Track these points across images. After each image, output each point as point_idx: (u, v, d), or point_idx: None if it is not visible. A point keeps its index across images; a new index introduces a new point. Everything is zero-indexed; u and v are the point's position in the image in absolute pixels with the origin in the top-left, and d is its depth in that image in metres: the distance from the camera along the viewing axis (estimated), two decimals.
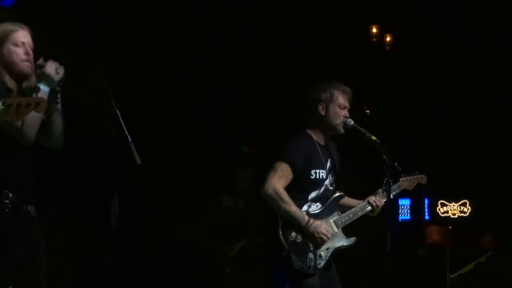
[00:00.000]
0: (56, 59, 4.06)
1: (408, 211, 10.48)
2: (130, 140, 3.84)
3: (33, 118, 3.84)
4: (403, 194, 9.94)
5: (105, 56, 4.24)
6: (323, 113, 5.08)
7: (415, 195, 10.29)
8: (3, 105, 3.43)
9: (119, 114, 3.87)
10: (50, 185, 4.32)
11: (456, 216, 10.66)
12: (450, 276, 8.52)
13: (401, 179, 5.41)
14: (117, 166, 3.88)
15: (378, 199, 5.14)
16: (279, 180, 4.91)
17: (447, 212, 10.69)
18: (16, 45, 4.08)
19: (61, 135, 4.17)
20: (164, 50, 7.84)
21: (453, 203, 10.66)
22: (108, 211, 3.90)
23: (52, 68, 4.00)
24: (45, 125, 4.07)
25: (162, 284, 7.62)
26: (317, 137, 5.13)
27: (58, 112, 4.11)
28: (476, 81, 9.28)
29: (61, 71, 4.04)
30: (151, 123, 7.55)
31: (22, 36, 4.11)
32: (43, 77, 3.99)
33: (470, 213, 10.62)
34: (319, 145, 5.11)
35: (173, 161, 7.84)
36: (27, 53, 4.08)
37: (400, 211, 10.37)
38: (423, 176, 5.57)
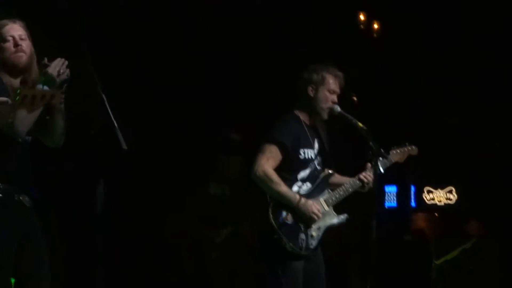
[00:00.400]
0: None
1: (395, 198, 10.49)
2: (116, 125, 3.81)
3: (24, 115, 3.77)
4: (389, 181, 9.98)
5: (92, 42, 4.21)
6: (312, 95, 5.05)
7: (401, 182, 10.32)
8: (18, 95, 3.41)
9: (105, 99, 3.84)
10: (35, 172, 4.28)
11: (442, 203, 10.69)
12: (436, 262, 8.55)
13: (391, 152, 5.35)
14: (103, 152, 3.86)
15: (369, 174, 5.10)
16: (268, 161, 4.89)
17: (433, 199, 10.72)
18: (5, 40, 4.03)
19: (61, 135, 4.14)
20: (154, 35, 7.80)
21: (439, 190, 10.69)
22: (95, 198, 3.88)
23: (55, 69, 3.91)
24: (46, 125, 4.03)
25: (149, 270, 7.60)
26: (305, 118, 5.11)
27: (60, 113, 4.06)
28: (464, 68, 9.28)
29: (66, 72, 3.96)
30: (137, 109, 7.51)
31: (11, 29, 4.05)
32: (44, 77, 3.91)
33: (456, 200, 10.65)
34: (307, 125, 5.09)
35: (160, 146, 7.81)
36: (16, 45, 4.02)
37: (386, 198, 10.38)
38: (413, 147, 5.51)
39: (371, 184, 5.07)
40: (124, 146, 3.77)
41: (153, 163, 7.65)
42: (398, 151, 5.42)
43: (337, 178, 5.24)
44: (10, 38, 4.02)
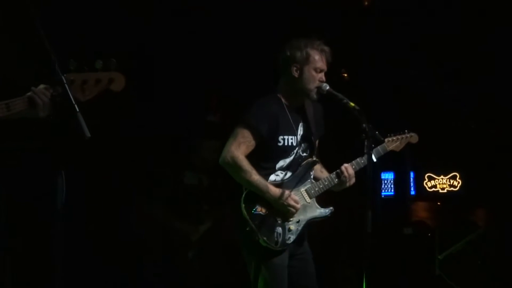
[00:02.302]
0: None
1: (392, 186, 10.52)
2: (78, 110, 3.77)
3: None
4: (386, 167, 10.01)
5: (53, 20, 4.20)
6: (296, 75, 4.99)
7: (399, 168, 10.34)
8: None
9: (65, 81, 3.79)
10: None
11: (445, 190, 10.74)
12: (439, 256, 8.58)
13: (386, 140, 5.29)
14: (64, 140, 3.84)
15: (348, 166, 5.04)
16: (238, 146, 4.87)
17: (435, 186, 10.77)
18: None
19: None
20: (125, 15, 7.79)
21: (442, 177, 10.74)
22: (55, 190, 3.85)
23: None
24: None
25: (116, 270, 7.57)
26: (288, 100, 5.05)
27: None
28: (463, 43, 9.31)
29: None
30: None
31: None
32: None
33: (460, 187, 10.70)
34: (289, 108, 5.03)
35: (130, 132, 7.79)
36: None
37: (383, 186, 10.40)
38: (413, 134, 5.45)
39: (349, 180, 5.04)
40: (88, 134, 3.72)
41: (120, 150, 7.63)
42: (395, 138, 5.37)
43: (321, 171, 5.18)
44: None
